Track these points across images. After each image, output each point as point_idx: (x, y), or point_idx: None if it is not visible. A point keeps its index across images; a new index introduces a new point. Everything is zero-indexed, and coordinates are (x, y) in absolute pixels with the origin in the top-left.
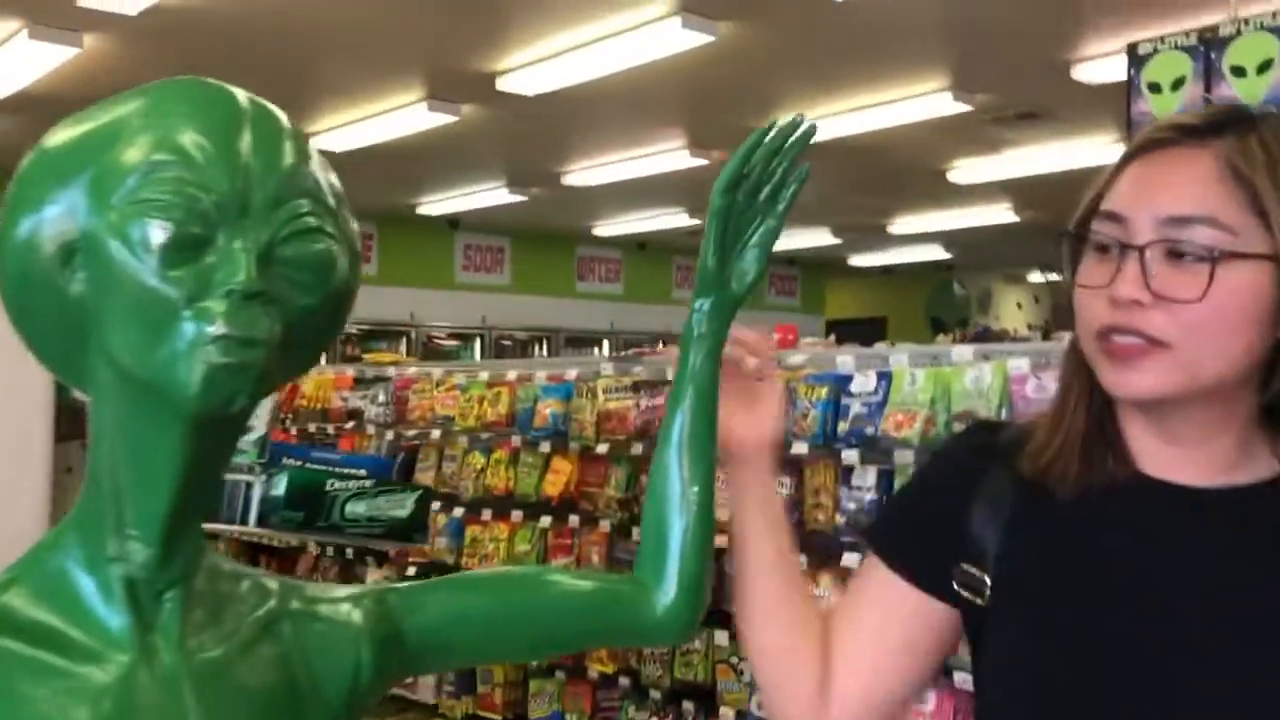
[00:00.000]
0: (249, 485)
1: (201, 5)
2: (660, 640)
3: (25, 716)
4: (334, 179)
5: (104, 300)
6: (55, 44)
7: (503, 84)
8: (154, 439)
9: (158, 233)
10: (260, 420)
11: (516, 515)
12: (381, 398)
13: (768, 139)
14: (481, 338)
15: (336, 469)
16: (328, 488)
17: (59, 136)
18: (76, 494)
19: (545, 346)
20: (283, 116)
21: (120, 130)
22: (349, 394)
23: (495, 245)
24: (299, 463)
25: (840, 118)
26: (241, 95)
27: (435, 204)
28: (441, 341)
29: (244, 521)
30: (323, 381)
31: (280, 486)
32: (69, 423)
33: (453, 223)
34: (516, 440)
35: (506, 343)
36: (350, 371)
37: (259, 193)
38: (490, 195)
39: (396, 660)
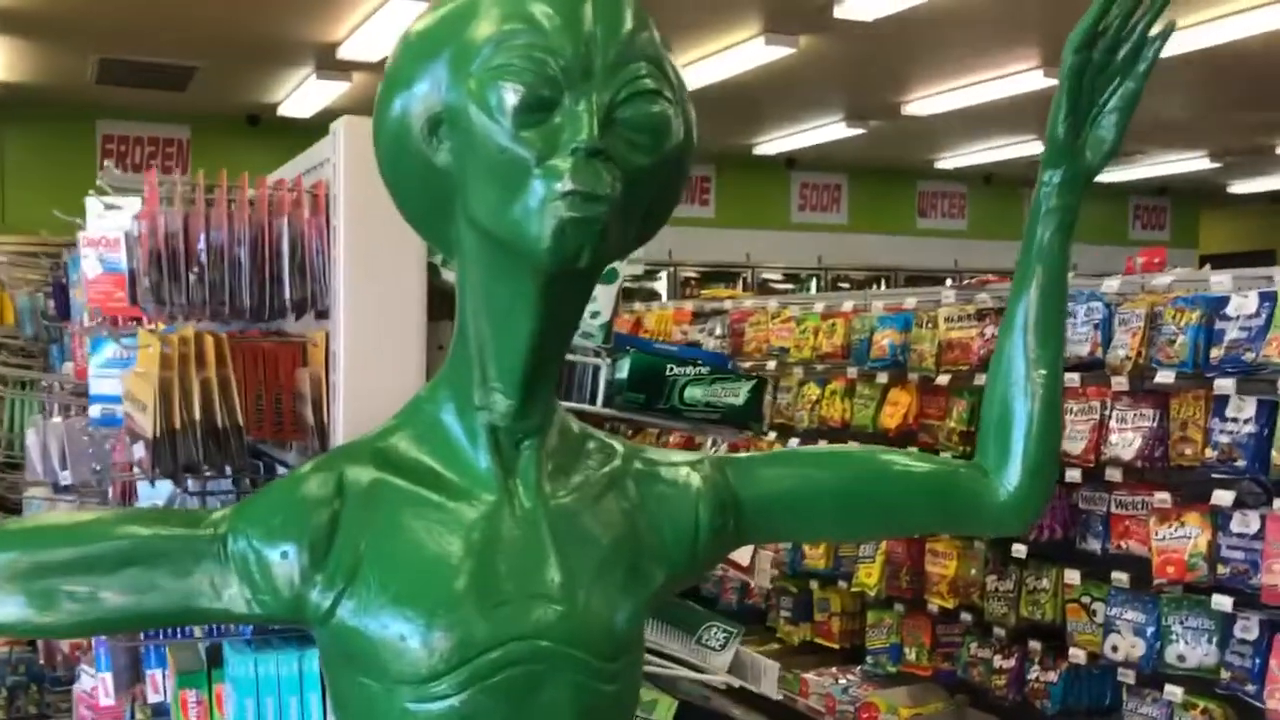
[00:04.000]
0: (596, 368)
1: None
2: (999, 528)
3: (407, 542)
4: (670, 55)
5: (465, 165)
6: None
7: (841, 10)
8: (512, 296)
9: (510, 96)
10: (605, 307)
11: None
12: (719, 330)
13: None
14: (817, 278)
15: (674, 357)
16: (668, 372)
17: (422, 21)
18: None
19: (883, 286)
20: None
21: (475, 7)
22: (688, 327)
23: (832, 183)
24: (639, 350)
25: (1217, 23)
26: None
27: (772, 143)
28: (776, 284)
29: (591, 402)
30: (663, 315)
31: (624, 369)
32: (439, 304)
33: (789, 161)
34: (853, 372)
35: (844, 284)
36: (689, 306)
37: (600, 57)
38: (827, 131)
39: (732, 526)
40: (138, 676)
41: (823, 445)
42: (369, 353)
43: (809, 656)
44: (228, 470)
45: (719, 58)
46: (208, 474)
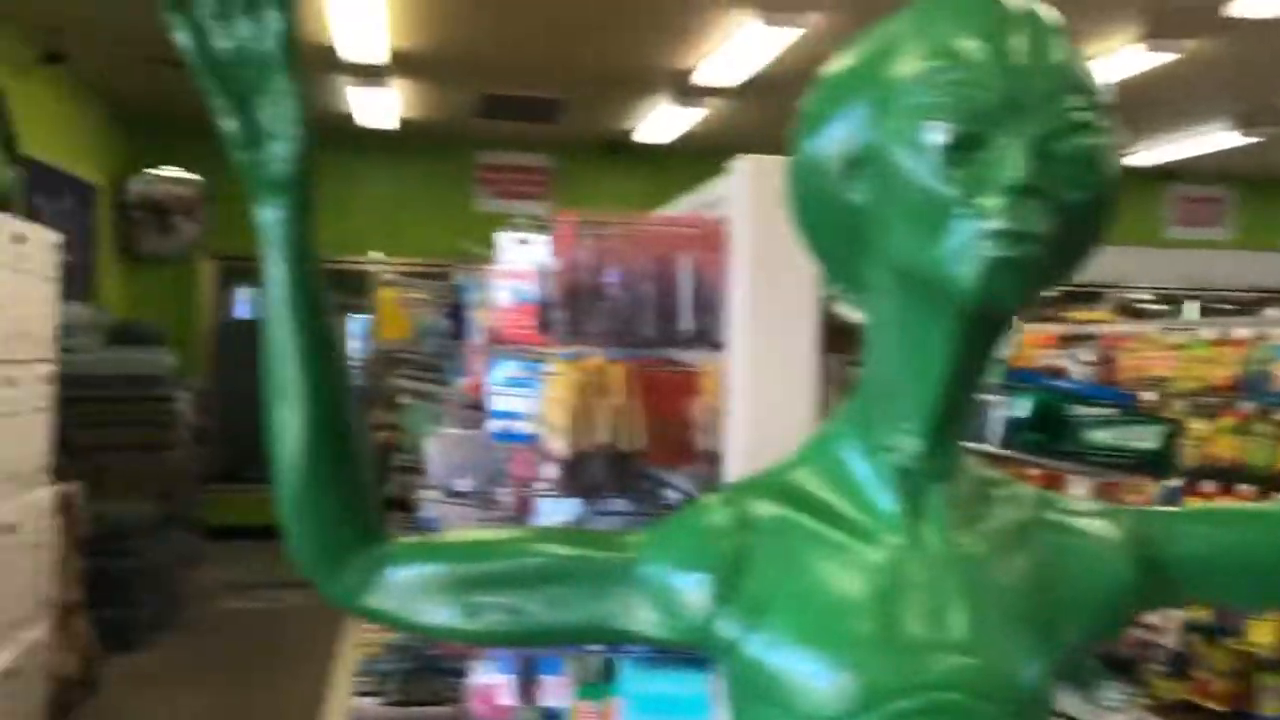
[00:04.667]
0: (992, 405)
1: None
2: None
3: (813, 580)
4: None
5: (884, 205)
6: (784, 27)
7: (1235, 9)
8: (926, 336)
9: (937, 134)
10: (1006, 343)
11: (1246, 489)
12: (1087, 356)
13: None
14: (1194, 300)
15: (1078, 396)
16: (1070, 413)
17: (837, 63)
18: (833, 401)
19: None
20: (1049, 13)
21: (894, 45)
22: (1053, 352)
23: (1213, 196)
24: (1039, 388)
25: None
26: None
27: (1146, 153)
28: (1146, 305)
29: (987, 441)
30: (1025, 339)
31: (1023, 408)
32: (831, 338)
33: (1165, 173)
34: (1247, 406)
35: (1225, 306)
36: (1054, 329)
37: (1031, 89)
38: (1212, 139)
39: (1154, 585)
40: (534, 680)
41: (1259, 504)
42: (762, 384)
43: (1183, 716)
44: (628, 493)
45: (1096, 65)
46: (611, 496)
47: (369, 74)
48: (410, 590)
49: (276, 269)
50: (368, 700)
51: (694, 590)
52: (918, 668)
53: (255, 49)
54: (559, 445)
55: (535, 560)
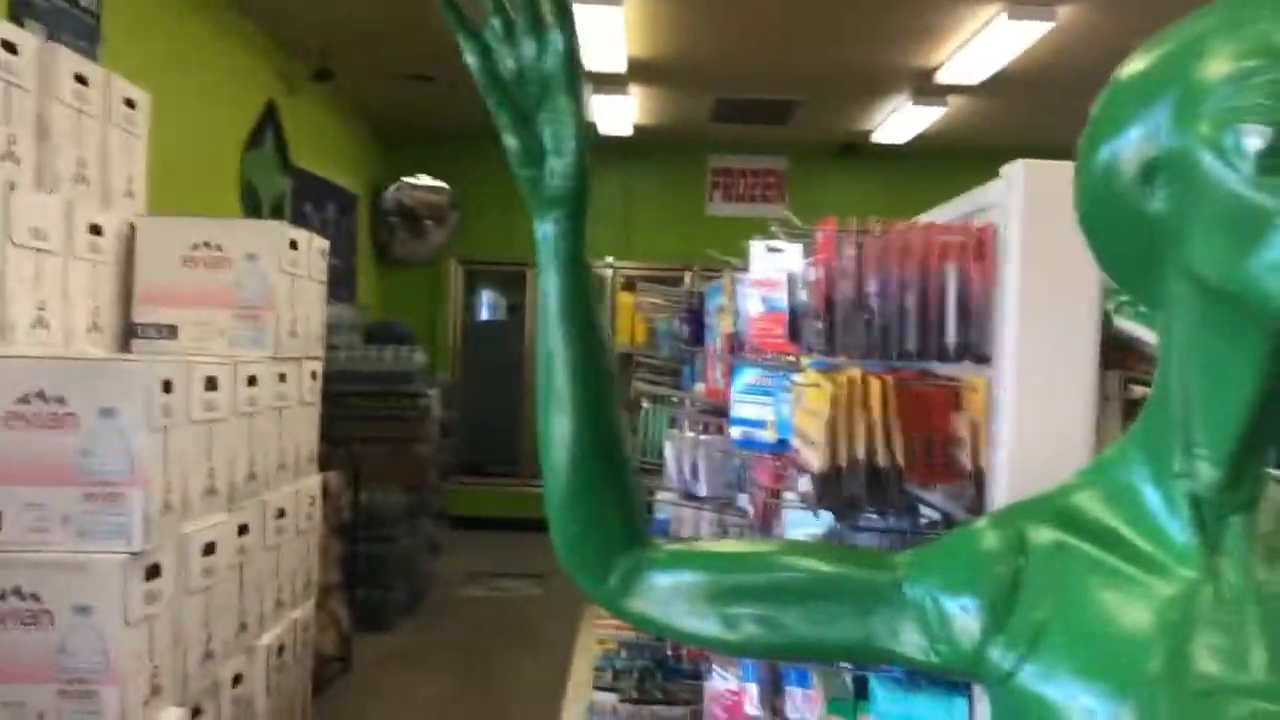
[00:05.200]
0: None
1: None
2: None
3: (1095, 611)
4: None
5: (1187, 214)
6: (1031, 20)
7: None
8: (1230, 355)
9: (1253, 139)
10: None
11: None
12: None
13: None
14: None
15: None
16: None
17: (1134, 64)
18: (1111, 421)
19: None
20: None
21: (1200, 43)
22: None
23: None
24: None
25: None
26: None
27: None
28: None
29: None
30: None
31: None
32: (1110, 354)
33: None
34: None
35: None
36: None
37: None
38: None
39: None
40: (778, 690)
41: None
42: (1033, 401)
43: None
44: (885, 510)
45: None
46: (867, 512)
47: (607, 82)
48: (672, 597)
49: (551, 281)
50: (605, 695)
51: (964, 616)
52: (1209, 711)
53: (539, 69)
54: (812, 457)
55: (797, 575)
